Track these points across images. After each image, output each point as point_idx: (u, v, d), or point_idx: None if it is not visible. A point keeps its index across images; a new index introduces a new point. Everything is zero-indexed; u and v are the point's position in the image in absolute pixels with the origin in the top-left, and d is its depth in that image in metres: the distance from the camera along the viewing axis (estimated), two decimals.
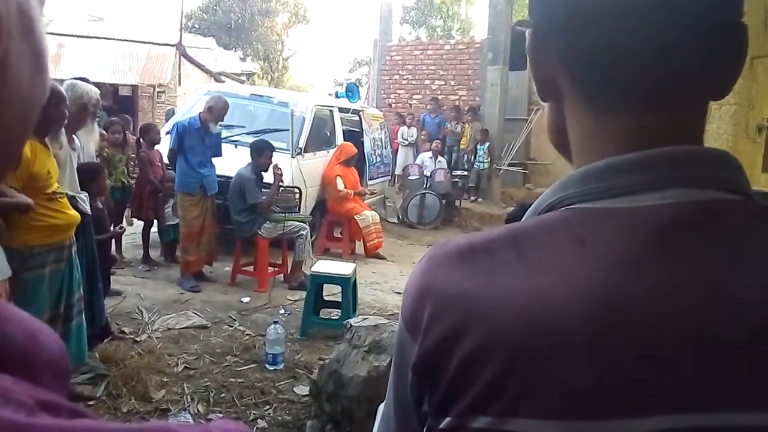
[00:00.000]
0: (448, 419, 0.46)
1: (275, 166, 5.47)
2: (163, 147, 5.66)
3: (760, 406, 0.40)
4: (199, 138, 5.19)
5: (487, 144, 10.34)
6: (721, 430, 0.41)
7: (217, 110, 5.22)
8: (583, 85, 0.50)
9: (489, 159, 10.34)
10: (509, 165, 10.73)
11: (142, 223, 5.74)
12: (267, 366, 3.73)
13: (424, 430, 0.50)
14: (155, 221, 5.71)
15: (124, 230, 4.18)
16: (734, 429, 0.41)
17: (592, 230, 0.46)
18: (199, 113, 5.31)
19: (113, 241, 4.86)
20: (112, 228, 4.39)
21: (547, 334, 0.43)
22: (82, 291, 3.13)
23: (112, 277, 4.53)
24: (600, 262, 0.44)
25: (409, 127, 10.95)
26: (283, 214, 5.52)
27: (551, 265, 0.45)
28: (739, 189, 0.47)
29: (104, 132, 5.08)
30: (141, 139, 5.69)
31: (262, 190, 5.47)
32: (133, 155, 5.72)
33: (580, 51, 0.49)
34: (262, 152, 5.46)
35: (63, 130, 3.12)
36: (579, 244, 0.45)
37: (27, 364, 0.29)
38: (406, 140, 10.85)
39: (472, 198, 10.41)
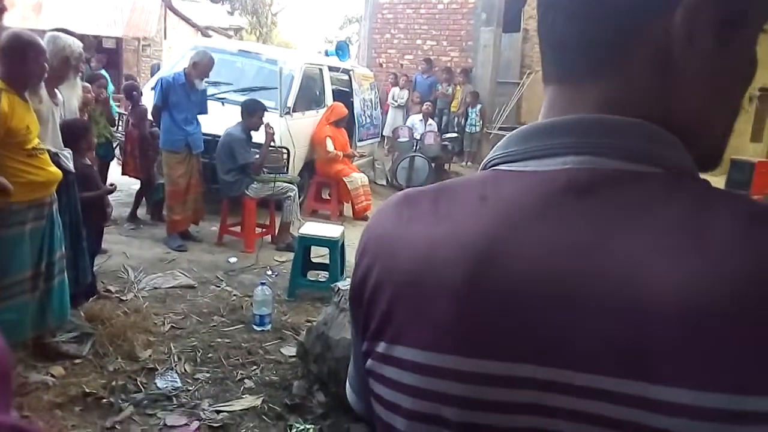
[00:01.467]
0: (365, 343, 0.54)
1: (267, 125, 5.39)
2: (146, 102, 5.54)
3: (617, 372, 0.41)
4: (185, 94, 5.07)
5: (478, 107, 10.25)
6: (567, 387, 0.42)
7: (202, 66, 5.09)
8: (541, 59, 0.55)
9: (480, 122, 10.26)
10: (500, 129, 10.66)
11: (137, 181, 5.65)
12: (254, 327, 3.75)
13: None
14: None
15: (115, 187, 4.12)
16: (590, 390, 0.42)
17: (495, 190, 0.50)
18: (184, 69, 5.18)
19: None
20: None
21: (429, 274, 0.48)
22: (64, 249, 3.09)
23: None
24: (491, 218, 0.48)
25: (401, 88, 10.79)
26: (272, 175, 5.46)
27: (452, 217, 0.50)
28: (657, 161, 0.46)
29: (88, 85, 4.94)
30: (133, 94, 5.56)
31: (252, 150, 5.40)
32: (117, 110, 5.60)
33: (541, 32, 0.54)
34: (254, 112, 5.37)
35: (43, 84, 3.02)
36: (481, 200, 0.50)
37: None
38: (396, 101, 10.71)
39: (462, 162, 10.37)
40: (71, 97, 3.77)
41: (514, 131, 0.53)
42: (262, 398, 3.00)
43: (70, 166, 3.23)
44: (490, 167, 0.53)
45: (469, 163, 10.34)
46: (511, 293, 0.45)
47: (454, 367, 0.46)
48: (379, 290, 0.52)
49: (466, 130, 10.31)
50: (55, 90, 3.32)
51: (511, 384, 0.44)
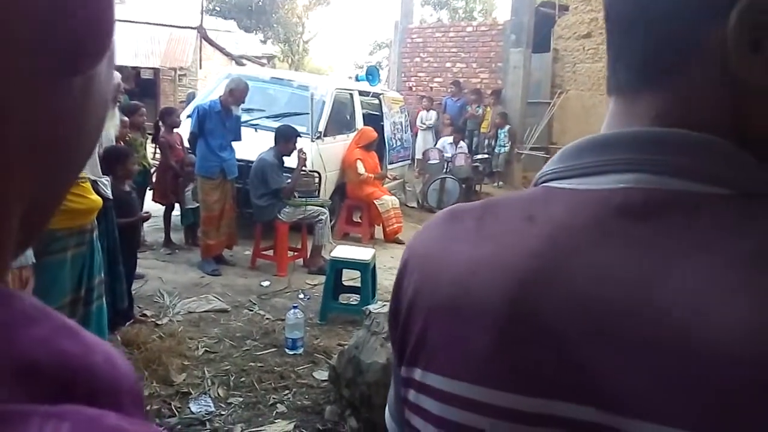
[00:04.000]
0: (402, 369, 0.51)
1: (300, 150, 5.47)
2: (184, 130, 5.68)
3: (657, 418, 0.37)
4: (220, 121, 5.19)
5: (507, 127, 10.21)
6: (607, 430, 0.39)
7: (238, 92, 5.21)
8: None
9: (510, 143, 10.21)
10: (531, 149, 10.59)
11: (163, 207, 5.78)
12: (286, 350, 3.75)
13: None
14: (176, 205, 5.75)
15: (150, 215, 4.24)
16: None
17: (544, 209, 0.46)
18: (220, 96, 5.31)
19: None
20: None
21: (467, 298, 0.45)
22: (103, 275, 3.15)
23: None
24: (536, 241, 0.44)
25: (428, 111, 10.84)
26: (303, 199, 5.51)
27: (496, 237, 0.47)
28: (725, 182, 0.41)
29: (126, 118, 5.10)
30: (161, 123, 5.71)
31: (284, 174, 5.47)
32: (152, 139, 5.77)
33: (607, 43, 0.51)
34: (289, 138, 5.46)
35: None
36: (527, 220, 0.46)
37: (114, 394, 0.27)
38: (424, 124, 10.75)
39: (494, 183, 10.31)
40: (109, 127, 3.90)
41: (569, 145, 0.49)
42: (294, 423, 2.98)
43: (108, 192, 3.32)
44: (541, 183, 0.50)
45: (500, 184, 10.27)
46: (554, 325, 0.41)
47: (492, 402, 0.43)
48: (414, 313, 0.50)
49: (496, 150, 10.27)
50: None
51: (550, 424, 0.41)
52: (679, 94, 0.44)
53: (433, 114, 10.79)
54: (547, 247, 0.44)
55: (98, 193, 3.11)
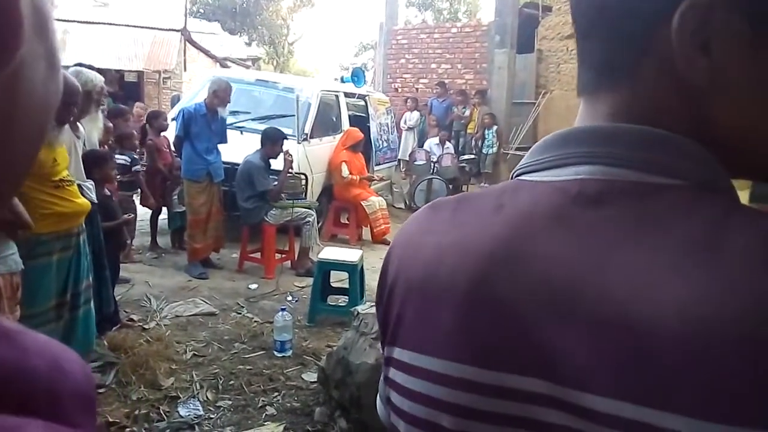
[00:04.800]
0: (385, 349, 0.55)
1: (286, 153, 5.46)
2: (170, 133, 5.64)
3: (611, 393, 0.39)
4: (206, 124, 5.17)
5: (494, 128, 10.26)
6: (566, 404, 0.41)
7: (222, 93, 5.19)
8: None
9: (497, 143, 10.26)
10: (517, 149, 10.64)
11: (149, 210, 5.74)
12: (275, 353, 3.74)
13: None
14: (163, 208, 5.71)
15: (133, 217, 4.22)
16: (577, 407, 0.40)
17: (512, 199, 0.49)
18: (204, 99, 5.28)
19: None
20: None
21: (435, 280, 0.49)
22: (90, 279, 3.13)
23: (120, 265, 4.54)
24: (500, 227, 0.48)
25: (411, 111, 10.86)
26: (290, 201, 5.51)
27: (465, 225, 0.50)
28: (677, 173, 0.44)
29: (110, 125, 5.05)
30: (148, 126, 5.67)
31: (270, 177, 5.46)
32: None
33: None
34: (276, 141, 5.44)
35: None
36: (495, 209, 0.50)
37: (55, 399, 0.26)
38: (407, 124, 10.77)
39: (480, 183, 10.35)
40: (92, 130, 3.86)
41: (539, 141, 0.53)
42: (284, 425, 2.98)
43: (93, 197, 3.30)
44: (515, 177, 0.53)
45: (486, 184, 10.31)
46: (512, 304, 0.44)
47: (453, 374, 0.46)
48: (393, 296, 0.54)
49: (483, 151, 10.31)
50: (77, 123, 3.41)
51: (504, 395, 0.44)
52: (635, 93, 0.47)
53: (416, 114, 10.82)
54: (507, 232, 0.47)
55: (83, 196, 3.09)
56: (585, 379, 0.40)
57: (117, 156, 4.82)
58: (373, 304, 3.51)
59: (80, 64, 4.02)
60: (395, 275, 0.54)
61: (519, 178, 0.52)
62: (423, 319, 0.50)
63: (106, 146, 4.68)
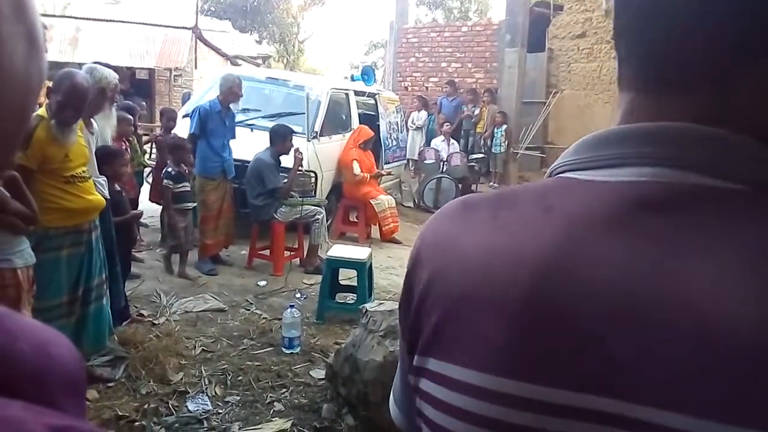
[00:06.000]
0: (415, 358, 0.50)
1: (297, 150, 5.48)
2: (180, 130, 5.67)
3: (680, 408, 0.37)
4: (221, 121, 5.22)
5: (504, 127, 10.24)
6: (632, 422, 0.39)
7: (237, 89, 5.24)
8: (618, 63, 0.51)
9: (506, 142, 10.24)
10: (527, 149, 10.61)
11: (160, 206, 5.77)
12: (283, 349, 3.76)
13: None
14: None
15: (142, 213, 4.26)
16: (646, 425, 0.38)
17: (562, 199, 0.46)
18: (218, 96, 5.31)
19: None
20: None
21: (485, 288, 0.45)
22: (104, 276, 3.15)
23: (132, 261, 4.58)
24: (554, 231, 0.44)
25: (418, 111, 10.86)
26: (300, 198, 5.53)
27: (512, 228, 0.47)
28: (746, 178, 0.41)
29: (130, 117, 5.07)
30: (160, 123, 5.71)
31: (280, 174, 5.48)
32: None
33: (624, 36, 0.49)
34: (285, 138, 5.46)
35: None
36: (545, 211, 0.46)
37: (39, 382, 0.26)
38: (414, 124, 10.77)
39: (490, 183, 10.34)
40: (105, 126, 3.90)
41: (588, 136, 0.48)
42: (291, 421, 2.99)
43: (106, 192, 3.32)
44: (557, 174, 0.50)
45: (495, 184, 10.30)
46: (573, 315, 0.41)
47: (507, 391, 0.43)
48: (429, 303, 0.49)
49: (492, 150, 10.30)
50: (91, 120, 3.44)
51: (565, 414, 0.41)
52: (720, 99, 0.43)
53: (424, 114, 10.82)
54: (564, 238, 0.44)
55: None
56: (660, 396, 0.38)
57: (170, 168, 4.86)
58: (381, 301, 3.50)
59: (94, 62, 4.05)
60: (429, 279, 0.50)
61: (563, 175, 0.49)
62: (468, 331, 0.46)
63: (124, 142, 4.70)
